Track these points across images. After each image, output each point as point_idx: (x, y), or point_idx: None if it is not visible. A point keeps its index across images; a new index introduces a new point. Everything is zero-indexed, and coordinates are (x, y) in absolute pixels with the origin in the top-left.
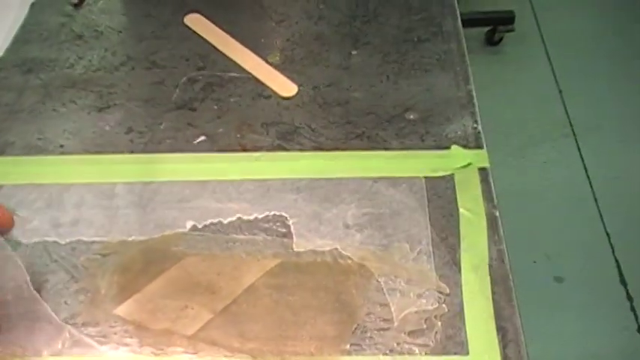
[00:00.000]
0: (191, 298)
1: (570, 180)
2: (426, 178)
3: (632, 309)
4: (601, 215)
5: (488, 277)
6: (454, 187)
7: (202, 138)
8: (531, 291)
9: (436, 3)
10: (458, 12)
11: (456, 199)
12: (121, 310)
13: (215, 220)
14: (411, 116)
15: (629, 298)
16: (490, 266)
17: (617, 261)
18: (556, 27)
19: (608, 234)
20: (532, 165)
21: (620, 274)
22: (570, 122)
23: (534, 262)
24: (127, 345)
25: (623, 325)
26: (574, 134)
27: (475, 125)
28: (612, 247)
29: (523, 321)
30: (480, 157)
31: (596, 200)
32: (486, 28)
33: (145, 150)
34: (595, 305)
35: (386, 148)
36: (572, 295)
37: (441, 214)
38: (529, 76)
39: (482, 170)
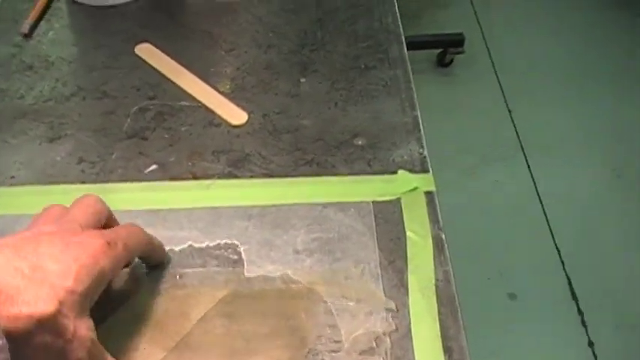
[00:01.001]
0: (141, 340)
1: (521, 198)
2: (373, 202)
3: (583, 323)
4: (551, 232)
5: (435, 298)
6: (401, 210)
7: (154, 167)
8: (486, 308)
9: (382, 31)
10: (403, 39)
11: (403, 222)
12: None
13: (167, 249)
14: (359, 142)
15: (580, 312)
16: (437, 287)
17: (567, 276)
18: (504, 48)
19: (558, 250)
20: (483, 184)
21: (571, 290)
22: (520, 142)
23: (488, 279)
24: None
25: (574, 339)
26: (524, 153)
27: (421, 150)
28: (563, 263)
29: (478, 338)
30: (426, 181)
31: (546, 217)
32: (437, 50)
33: (96, 180)
34: (547, 321)
35: (335, 174)
36: (524, 311)
37: (388, 238)
38: (479, 97)
39: (429, 194)
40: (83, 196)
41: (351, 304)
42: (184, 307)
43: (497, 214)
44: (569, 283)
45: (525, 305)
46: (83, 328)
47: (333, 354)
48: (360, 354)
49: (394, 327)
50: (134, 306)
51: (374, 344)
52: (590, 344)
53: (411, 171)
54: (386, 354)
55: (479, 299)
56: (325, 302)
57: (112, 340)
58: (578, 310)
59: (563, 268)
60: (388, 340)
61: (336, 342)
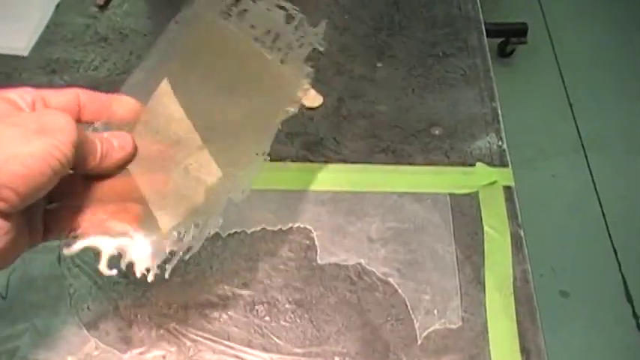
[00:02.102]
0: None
1: (579, 194)
2: (450, 194)
3: (638, 327)
4: (608, 231)
5: (513, 297)
6: (479, 204)
7: None
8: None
9: (461, 18)
10: (483, 27)
11: (480, 216)
12: None
13: (239, 230)
14: (436, 131)
15: (635, 316)
16: (514, 286)
17: (623, 277)
18: (568, 41)
19: (615, 250)
20: (541, 178)
21: (627, 291)
22: (580, 136)
23: (540, 275)
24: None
25: (628, 343)
26: (584, 149)
27: (500, 143)
28: (619, 264)
29: None
30: (505, 176)
31: (604, 215)
32: (499, 40)
33: None
34: (600, 321)
35: (411, 163)
36: (577, 310)
37: (465, 232)
38: (540, 89)
39: (507, 189)
40: None
41: (427, 300)
42: None
43: (553, 209)
44: (625, 285)
45: (578, 304)
46: None
47: (406, 349)
48: (433, 353)
49: (469, 328)
50: None
51: (447, 343)
52: None
53: (489, 164)
54: (459, 355)
55: None
56: (400, 295)
57: None
58: (634, 313)
59: (620, 269)
60: (462, 341)
61: (409, 338)
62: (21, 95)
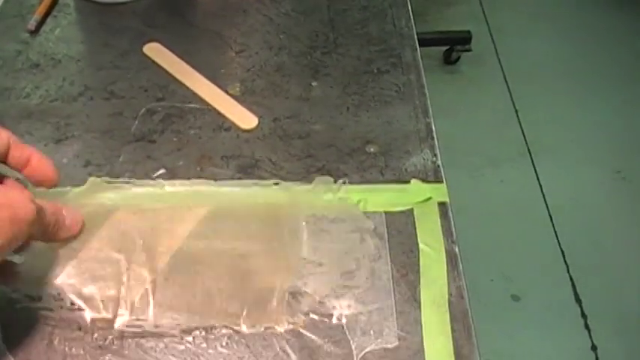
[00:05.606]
0: (129, 258)
1: (527, 199)
2: (386, 212)
3: (587, 327)
4: (556, 233)
5: (448, 314)
6: (414, 222)
7: (162, 171)
8: (488, 309)
9: (395, 34)
10: (417, 43)
11: (415, 234)
12: (62, 279)
13: None
14: (371, 149)
15: (584, 315)
16: (450, 303)
17: (571, 279)
18: (512, 47)
19: (563, 252)
20: (489, 184)
21: (575, 292)
22: (526, 142)
23: (491, 280)
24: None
25: (577, 342)
26: (530, 154)
27: (434, 159)
28: (567, 265)
29: (480, 339)
30: (439, 192)
31: (551, 219)
32: (444, 48)
33: None
34: (551, 323)
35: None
36: (528, 313)
37: (401, 250)
38: (486, 96)
39: (442, 205)
40: None
41: (363, 318)
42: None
43: (502, 215)
44: (573, 286)
45: (529, 307)
46: None
47: None
48: None
49: (405, 347)
50: (114, 223)
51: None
52: (594, 348)
53: (424, 180)
54: None
55: (481, 300)
56: (337, 318)
57: (95, 260)
58: (582, 313)
59: (568, 271)
60: (399, 356)
61: (348, 358)
62: None
